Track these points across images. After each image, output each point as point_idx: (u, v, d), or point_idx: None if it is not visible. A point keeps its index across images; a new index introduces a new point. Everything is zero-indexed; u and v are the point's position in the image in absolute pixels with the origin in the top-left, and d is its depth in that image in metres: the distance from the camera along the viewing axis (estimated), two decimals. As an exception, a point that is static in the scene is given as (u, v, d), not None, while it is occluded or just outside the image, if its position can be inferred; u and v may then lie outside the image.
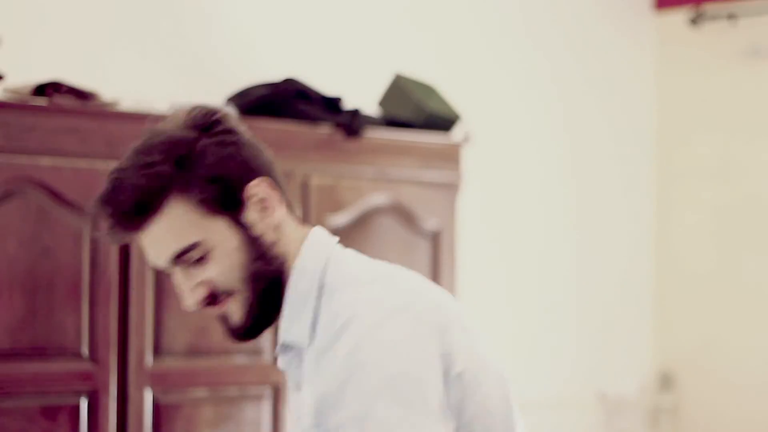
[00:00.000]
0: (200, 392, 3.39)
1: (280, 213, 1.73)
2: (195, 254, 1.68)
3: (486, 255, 4.68)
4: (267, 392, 3.49)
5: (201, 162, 1.68)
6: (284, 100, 3.63)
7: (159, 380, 3.30)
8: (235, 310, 1.71)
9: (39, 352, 3.12)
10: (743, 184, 5.19)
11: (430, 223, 3.88)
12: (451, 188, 3.93)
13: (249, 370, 3.46)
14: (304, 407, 1.70)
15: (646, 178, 5.36)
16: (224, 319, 1.74)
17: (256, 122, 3.53)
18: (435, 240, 3.90)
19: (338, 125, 3.67)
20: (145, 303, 3.28)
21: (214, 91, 3.78)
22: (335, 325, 1.65)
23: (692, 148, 5.30)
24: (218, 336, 3.41)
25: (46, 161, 3.13)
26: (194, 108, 1.72)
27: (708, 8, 5.17)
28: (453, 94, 4.29)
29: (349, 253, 1.77)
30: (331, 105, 3.74)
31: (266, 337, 3.49)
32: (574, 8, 5.08)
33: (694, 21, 5.17)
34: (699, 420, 5.26)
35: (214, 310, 1.73)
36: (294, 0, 4.18)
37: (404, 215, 3.82)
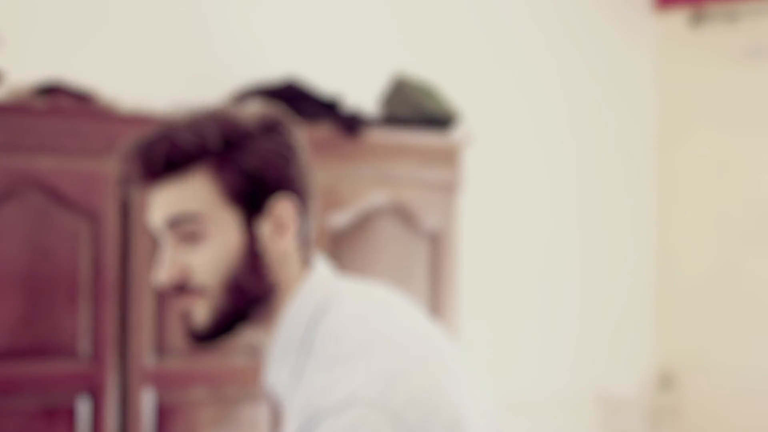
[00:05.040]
0: (200, 392, 3.39)
1: (291, 243, 1.67)
2: (190, 227, 1.62)
3: (486, 255, 4.68)
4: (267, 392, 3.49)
5: (248, 154, 1.64)
6: (284, 100, 3.63)
7: (159, 380, 3.30)
8: (201, 312, 1.64)
9: (39, 352, 3.12)
10: (743, 184, 5.19)
11: (429, 223, 3.88)
12: (451, 188, 3.93)
13: (249, 370, 3.45)
14: None
15: (647, 178, 5.36)
16: (185, 316, 1.66)
17: (256, 122, 3.53)
18: (435, 240, 3.90)
19: (338, 125, 3.67)
20: (145, 303, 3.27)
21: (214, 91, 3.79)
22: (325, 401, 1.56)
23: (692, 148, 5.30)
24: (218, 336, 3.42)
25: (46, 161, 3.13)
26: (270, 108, 1.70)
27: (708, 8, 5.16)
28: (453, 93, 4.29)
29: (345, 301, 1.67)
30: (331, 105, 3.74)
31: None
32: (574, 8, 5.08)
33: (694, 21, 5.17)
34: (699, 420, 5.25)
35: (178, 301, 1.66)
36: (294, 0, 4.18)
37: (404, 215, 3.82)
